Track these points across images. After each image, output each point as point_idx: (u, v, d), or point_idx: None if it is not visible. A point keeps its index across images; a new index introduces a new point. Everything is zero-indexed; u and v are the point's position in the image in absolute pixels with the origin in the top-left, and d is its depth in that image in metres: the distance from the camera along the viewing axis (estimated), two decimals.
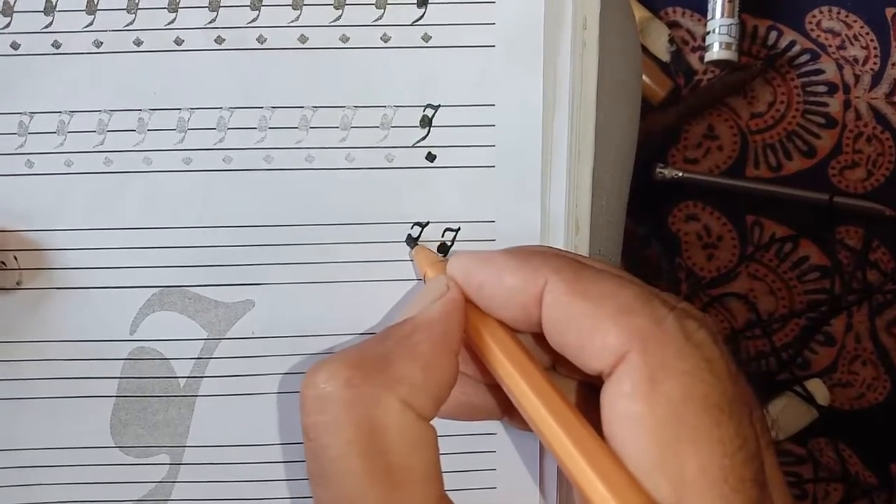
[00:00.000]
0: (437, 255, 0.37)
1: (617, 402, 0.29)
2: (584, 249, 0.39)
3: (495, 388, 0.35)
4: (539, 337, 0.34)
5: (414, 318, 0.32)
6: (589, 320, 0.30)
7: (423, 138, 0.38)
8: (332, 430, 0.29)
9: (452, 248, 0.38)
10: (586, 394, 0.35)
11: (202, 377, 0.38)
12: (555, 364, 0.35)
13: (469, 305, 0.33)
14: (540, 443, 0.39)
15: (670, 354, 0.28)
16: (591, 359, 0.30)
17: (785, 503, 0.32)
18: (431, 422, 0.31)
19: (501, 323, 0.33)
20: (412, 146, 0.38)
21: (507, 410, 0.36)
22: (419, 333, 0.31)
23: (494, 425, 0.39)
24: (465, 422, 0.38)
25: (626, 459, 0.28)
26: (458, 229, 0.38)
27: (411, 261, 0.38)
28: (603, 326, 0.29)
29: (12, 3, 0.37)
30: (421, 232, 0.38)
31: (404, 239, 0.38)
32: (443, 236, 0.38)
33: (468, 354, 0.35)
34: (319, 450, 0.29)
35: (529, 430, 0.37)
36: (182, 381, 0.38)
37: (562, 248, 0.38)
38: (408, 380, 0.30)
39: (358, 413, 0.29)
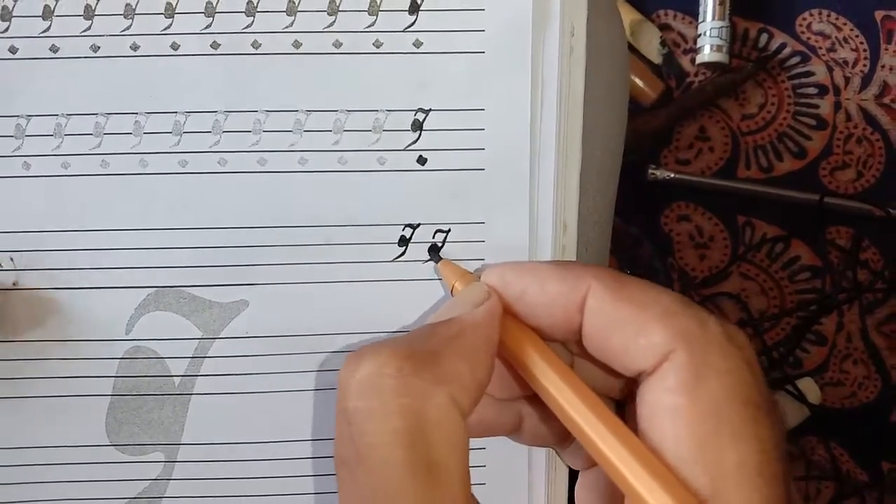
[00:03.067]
0: (463, 268, 0.38)
1: (660, 395, 0.30)
2: (571, 249, 0.40)
3: (510, 403, 0.36)
4: (561, 346, 0.35)
5: (461, 318, 0.32)
6: (634, 323, 0.31)
7: (415, 142, 0.38)
8: (377, 417, 0.29)
9: (443, 250, 0.39)
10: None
11: (197, 376, 0.39)
12: None
13: (503, 315, 0.34)
14: None
15: (714, 353, 0.29)
16: (634, 360, 0.31)
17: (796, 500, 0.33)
18: None
19: (535, 331, 0.33)
20: (403, 149, 0.38)
21: (516, 427, 0.37)
22: (468, 334, 0.32)
23: None
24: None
25: (664, 451, 0.29)
26: (449, 231, 0.39)
27: (437, 275, 0.39)
28: (648, 328, 0.30)
29: (11, 7, 0.37)
30: (413, 233, 0.38)
31: (396, 240, 0.38)
32: (433, 238, 0.39)
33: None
34: (359, 436, 0.29)
35: (535, 444, 0.38)
36: (177, 380, 0.39)
37: (549, 249, 0.39)
38: (457, 377, 0.30)
39: (407, 403, 0.29)
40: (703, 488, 0.28)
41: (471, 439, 0.38)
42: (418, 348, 0.30)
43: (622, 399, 0.36)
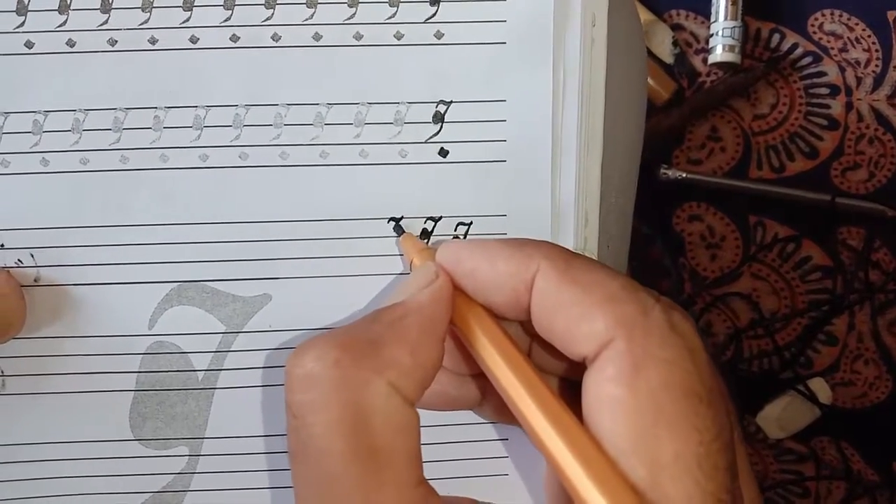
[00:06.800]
0: (424, 244, 0.38)
1: (600, 385, 0.29)
2: (592, 242, 0.40)
3: (470, 378, 0.36)
4: (521, 327, 0.35)
5: (404, 302, 0.32)
6: (577, 307, 0.30)
7: (436, 134, 0.38)
8: (317, 409, 0.29)
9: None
10: (563, 388, 0.35)
11: (220, 370, 0.38)
12: (531, 355, 0.35)
13: (456, 293, 0.33)
14: None
15: (654, 342, 0.29)
16: (577, 344, 0.30)
17: (753, 495, 0.33)
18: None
19: (487, 311, 0.33)
20: (425, 142, 0.38)
21: (481, 402, 0.37)
22: (409, 318, 0.32)
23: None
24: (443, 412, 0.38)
25: (604, 442, 0.29)
26: (471, 223, 0.38)
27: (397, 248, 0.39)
28: (590, 313, 0.30)
29: (26, 2, 0.37)
30: (434, 226, 0.38)
31: (418, 234, 0.38)
32: (455, 230, 0.38)
33: (450, 345, 0.35)
34: (303, 428, 0.30)
35: (502, 420, 0.38)
36: (200, 375, 0.39)
37: (571, 241, 0.39)
38: (396, 364, 0.30)
39: (345, 394, 0.29)
40: (641, 480, 0.28)
41: (497, 428, 0.39)
42: (358, 337, 0.31)
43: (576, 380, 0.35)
